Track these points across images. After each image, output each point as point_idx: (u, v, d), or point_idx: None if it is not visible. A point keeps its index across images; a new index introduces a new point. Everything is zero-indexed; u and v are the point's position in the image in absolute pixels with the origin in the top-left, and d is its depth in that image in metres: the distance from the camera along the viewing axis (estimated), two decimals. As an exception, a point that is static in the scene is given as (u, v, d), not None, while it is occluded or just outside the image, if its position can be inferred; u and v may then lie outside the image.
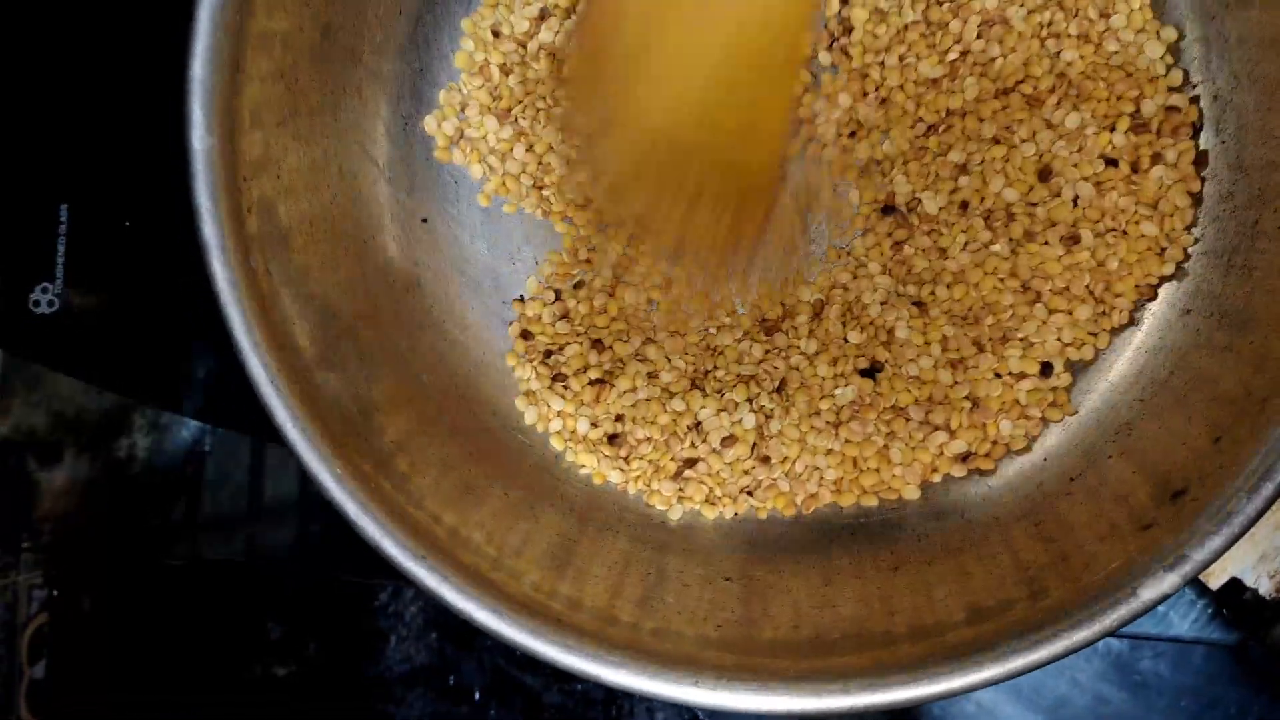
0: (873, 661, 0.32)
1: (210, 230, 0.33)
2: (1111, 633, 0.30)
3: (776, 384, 0.43)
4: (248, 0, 0.34)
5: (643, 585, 0.38)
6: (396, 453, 0.37)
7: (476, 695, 0.50)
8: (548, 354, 0.44)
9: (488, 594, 0.34)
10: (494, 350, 0.45)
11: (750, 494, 0.43)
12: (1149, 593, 0.30)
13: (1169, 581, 0.30)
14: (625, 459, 0.43)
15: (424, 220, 0.45)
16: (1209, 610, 0.42)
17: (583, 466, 0.44)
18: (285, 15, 0.37)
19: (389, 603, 0.50)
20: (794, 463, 0.42)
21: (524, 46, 0.45)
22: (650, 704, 0.49)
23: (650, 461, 0.43)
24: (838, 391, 0.42)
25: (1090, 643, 0.31)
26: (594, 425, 0.43)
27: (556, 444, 0.44)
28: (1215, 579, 0.31)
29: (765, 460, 0.43)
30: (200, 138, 0.33)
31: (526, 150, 0.45)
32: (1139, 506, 0.34)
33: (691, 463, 0.43)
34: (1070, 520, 0.37)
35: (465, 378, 0.44)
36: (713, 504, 0.43)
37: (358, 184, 0.42)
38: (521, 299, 0.45)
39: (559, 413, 0.44)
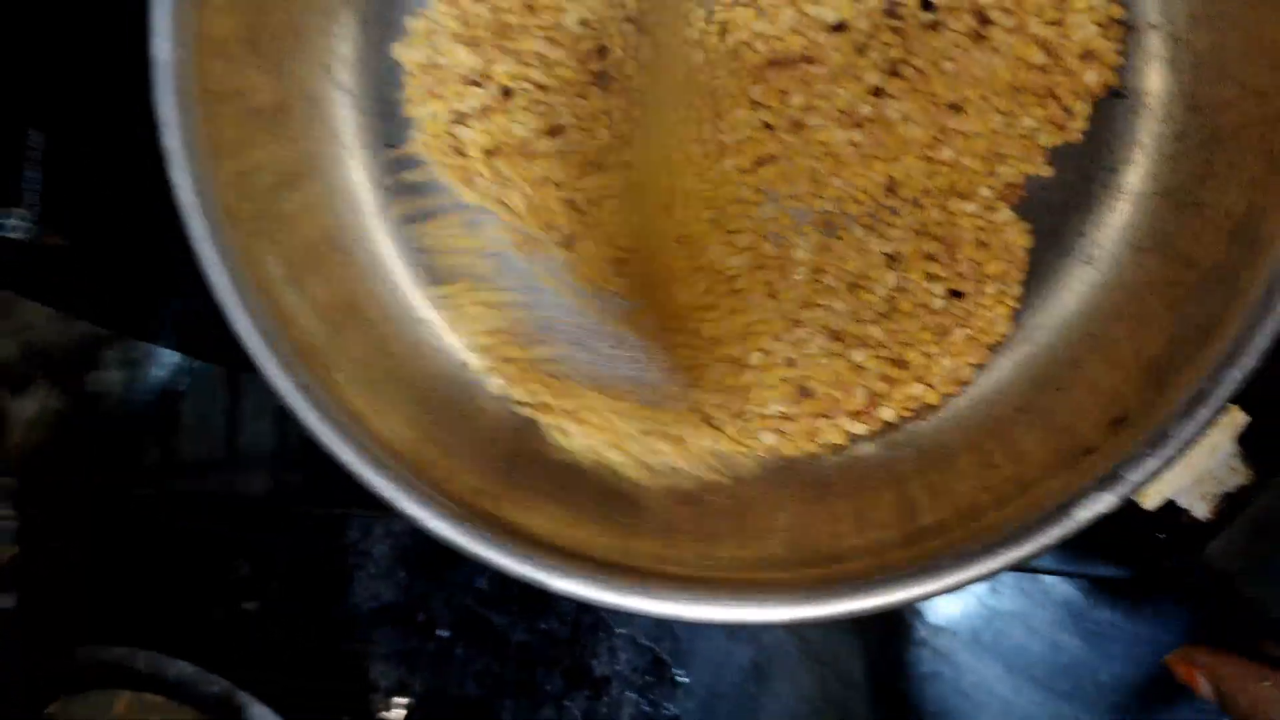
0: (820, 577, 0.33)
1: (172, 140, 0.33)
2: (1051, 548, 0.31)
3: None
4: None
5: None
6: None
7: (444, 633, 0.50)
8: None
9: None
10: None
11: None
12: (1085, 512, 0.31)
13: (1104, 500, 0.31)
14: None
15: (390, 145, 0.44)
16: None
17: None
18: None
19: (358, 539, 0.50)
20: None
21: None
22: (613, 642, 0.49)
23: None
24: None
25: (1031, 557, 0.31)
26: None
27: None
28: (1151, 501, 0.31)
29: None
30: (164, 49, 0.33)
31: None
32: (1081, 435, 0.35)
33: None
34: (1017, 449, 0.38)
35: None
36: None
37: (321, 107, 0.42)
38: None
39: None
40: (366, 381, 0.37)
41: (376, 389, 0.37)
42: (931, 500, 0.37)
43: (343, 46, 0.43)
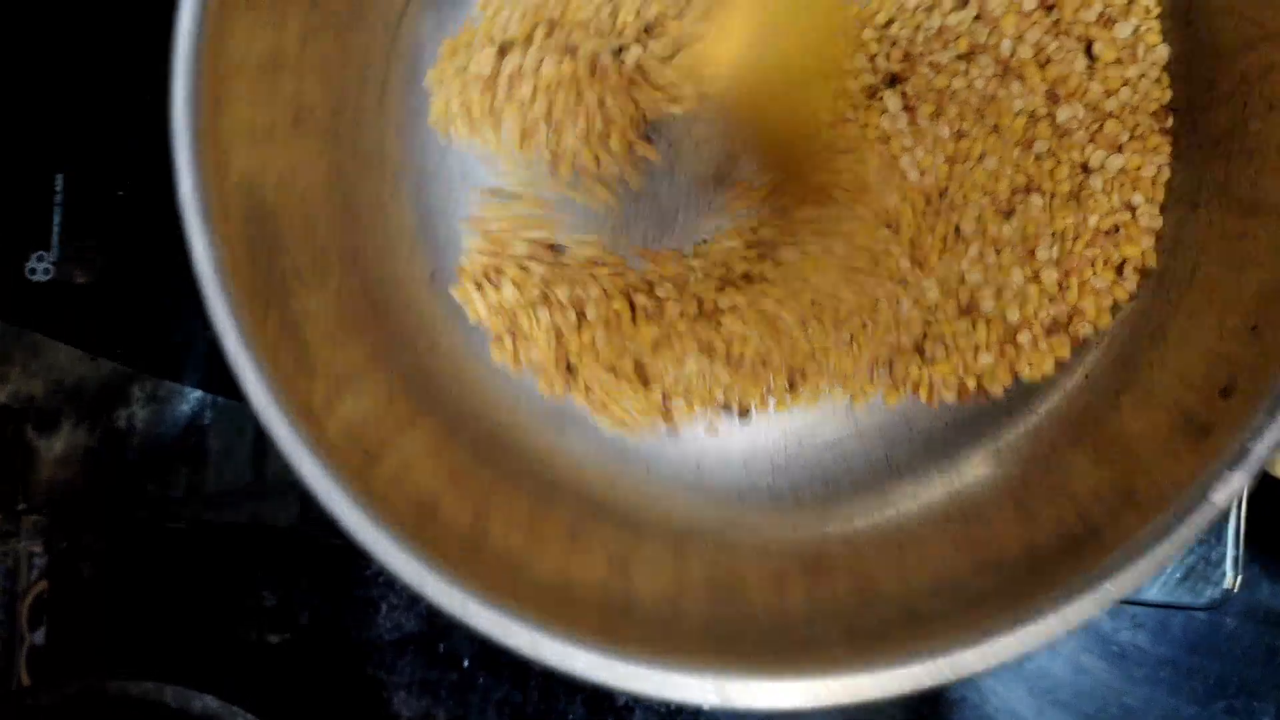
0: (967, 622, 0.31)
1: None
2: (1192, 543, 0.30)
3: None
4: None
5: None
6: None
7: (465, 663, 0.50)
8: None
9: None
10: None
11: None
12: (1221, 495, 0.29)
13: (1237, 480, 0.29)
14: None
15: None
16: (1177, 575, 0.42)
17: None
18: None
19: (380, 571, 0.48)
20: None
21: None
22: None
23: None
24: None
25: (1173, 556, 0.30)
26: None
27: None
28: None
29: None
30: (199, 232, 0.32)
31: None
32: (1191, 410, 0.33)
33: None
34: (1126, 437, 0.37)
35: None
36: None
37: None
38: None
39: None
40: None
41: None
42: (1050, 509, 0.36)
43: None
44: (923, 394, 0.42)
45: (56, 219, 0.49)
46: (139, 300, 0.51)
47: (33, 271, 0.48)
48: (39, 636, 0.50)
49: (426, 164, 0.43)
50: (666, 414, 0.42)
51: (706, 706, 0.30)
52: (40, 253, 0.49)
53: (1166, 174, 0.40)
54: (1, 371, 0.51)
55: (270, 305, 0.33)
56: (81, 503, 0.51)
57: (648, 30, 0.42)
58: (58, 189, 0.49)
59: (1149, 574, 0.29)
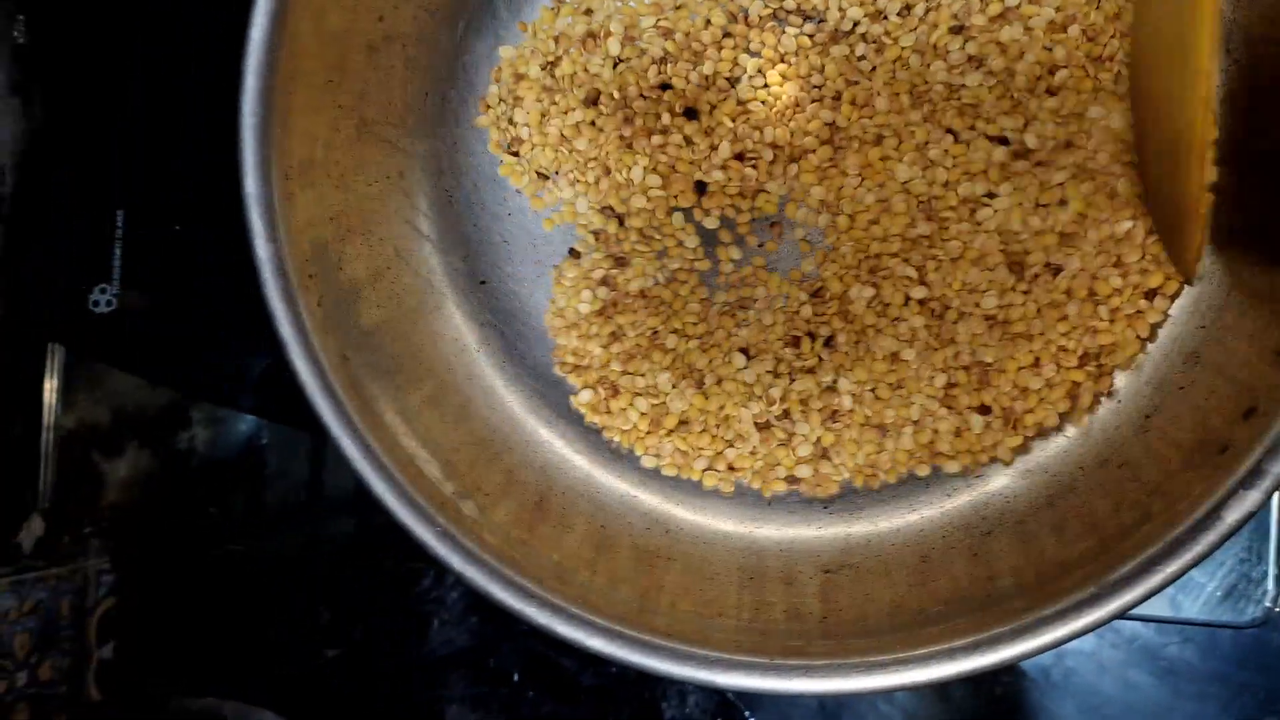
0: (975, 625, 0.33)
1: (288, 333, 0.35)
2: (1202, 559, 0.30)
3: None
4: (283, 107, 0.36)
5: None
6: (469, 495, 0.39)
7: (515, 677, 0.50)
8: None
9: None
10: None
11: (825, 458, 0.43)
12: (1233, 514, 0.30)
13: (1251, 499, 0.30)
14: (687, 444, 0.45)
15: (482, 282, 0.46)
16: (1217, 593, 0.42)
17: (653, 457, 0.45)
18: (321, 115, 0.38)
19: (431, 588, 0.51)
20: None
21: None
22: (681, 685, 0.49)
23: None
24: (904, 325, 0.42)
25: (1184, 572, 0.31)
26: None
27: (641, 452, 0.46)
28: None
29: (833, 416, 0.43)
30: (263, 246, 0.35)
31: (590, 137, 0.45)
32: (1214, 431, 0.34)
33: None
34: (1151, 456, 0.37)
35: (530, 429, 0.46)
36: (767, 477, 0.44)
37: (412, 260, 0.44)
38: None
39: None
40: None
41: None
42: (1077, 525, 0.37)
43: (419, 199, 0.45)
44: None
45: (117, 253, 0.50)
46: (196, 330, 0.51)
47: (96, 304, 0.49)
48: (106, 651, 0.50)
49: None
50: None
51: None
52: (102, 285, 0.50)
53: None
54: (69, 399, 0.51)
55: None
56: (147, 523, 0.51)
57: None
58: (119, 225, 0.49)
59: (1160, 588, 0.30)
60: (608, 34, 0.44)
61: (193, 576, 0.51)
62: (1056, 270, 0.41)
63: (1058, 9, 0.41)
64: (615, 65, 0.44)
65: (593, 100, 0.44)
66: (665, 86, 0.44)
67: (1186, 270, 0.39)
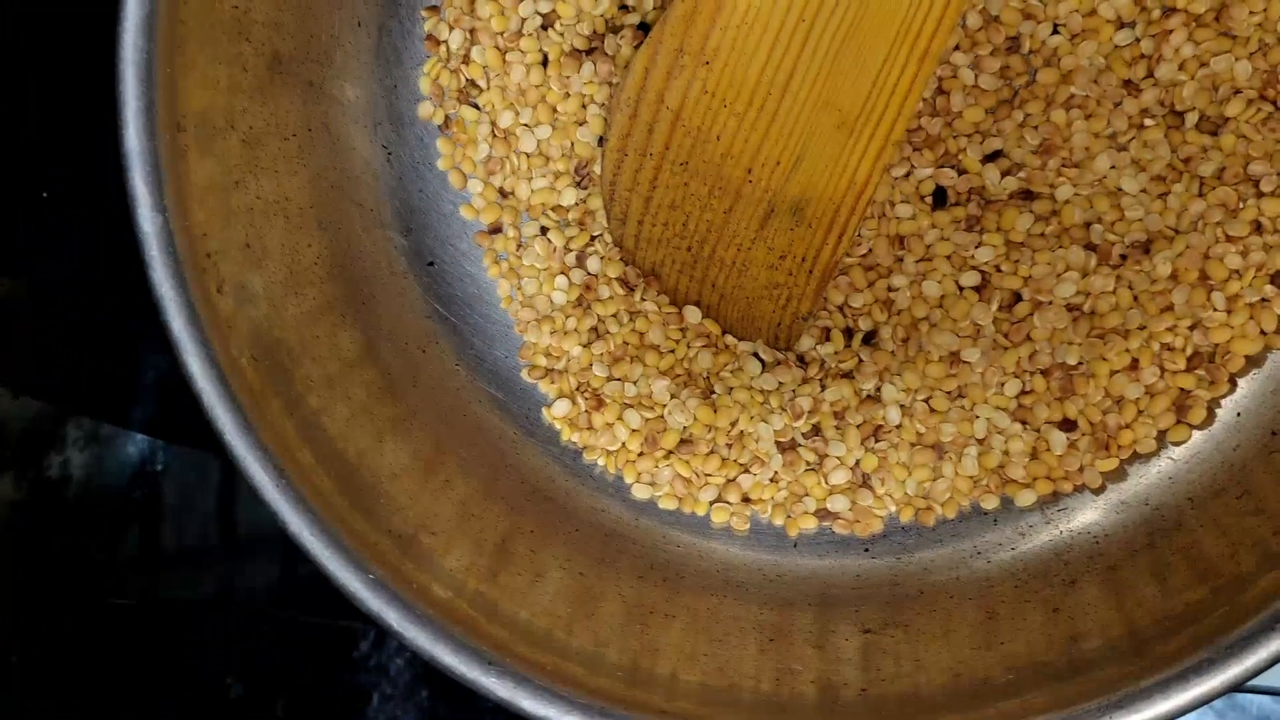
0: (1055, 700, 0.31)
1: (180, 328, 0.33)
2: None
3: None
4: (175, 38, 0.34)
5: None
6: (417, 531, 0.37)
7: None
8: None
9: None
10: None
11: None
12: None
13: None
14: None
15: (430, 263, 0.44)
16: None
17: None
18: (224, 51, 0.37)
19: (370, 653, 0.48)
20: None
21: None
22: None
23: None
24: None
25: None
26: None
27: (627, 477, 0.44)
28: None
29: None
30: (148, 217, 0.33)
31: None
32: None
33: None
34: (1279, 483, 0.36)
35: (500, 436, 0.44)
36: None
37: (341, 235, 0.42)
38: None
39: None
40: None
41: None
42: (1185, 572, 0.35)
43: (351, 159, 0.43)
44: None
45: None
46: (70, 325, 0.49)
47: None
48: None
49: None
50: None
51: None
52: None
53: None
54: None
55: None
56: (11, 568, 0.49)
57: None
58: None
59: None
60: None
61: (69, 636, 0.49)
62: (1145, 247, 0.40)
63: None
64: None
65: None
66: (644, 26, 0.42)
67: None
